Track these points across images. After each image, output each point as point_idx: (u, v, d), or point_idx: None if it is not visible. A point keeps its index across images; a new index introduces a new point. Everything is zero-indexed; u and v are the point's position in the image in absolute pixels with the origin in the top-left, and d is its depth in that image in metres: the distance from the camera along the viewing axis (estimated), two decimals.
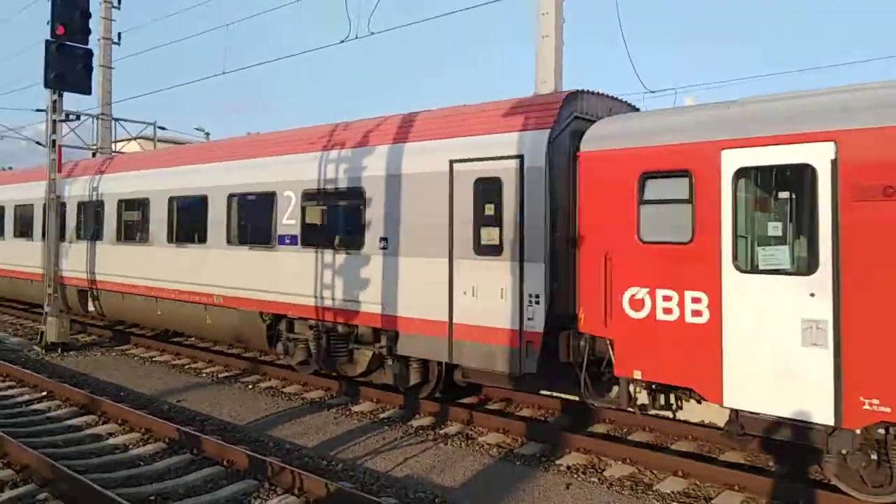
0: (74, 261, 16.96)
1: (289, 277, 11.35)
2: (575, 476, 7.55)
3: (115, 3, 24.22)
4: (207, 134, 36.47)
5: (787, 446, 7.52)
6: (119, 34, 24.31)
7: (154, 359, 13.94)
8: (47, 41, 13.95)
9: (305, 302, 11.05)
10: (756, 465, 7.95)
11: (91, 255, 16.42)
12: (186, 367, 13.20)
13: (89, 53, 14.55)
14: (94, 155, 22.16)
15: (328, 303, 10.70)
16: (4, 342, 15.47)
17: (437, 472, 7.63)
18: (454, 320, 9.20)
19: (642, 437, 8.96)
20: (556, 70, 13.37)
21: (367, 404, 10.36)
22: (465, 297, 9.11)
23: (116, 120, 24.19)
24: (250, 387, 11.56)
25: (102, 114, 23.97)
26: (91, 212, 16.75)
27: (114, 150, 23.61)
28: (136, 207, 15.36)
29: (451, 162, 9.34)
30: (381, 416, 9.82)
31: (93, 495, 6.31)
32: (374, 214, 10.29)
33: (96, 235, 16.40)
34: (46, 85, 14.33)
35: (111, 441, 8.50)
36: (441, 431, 9.07)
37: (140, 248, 14.97)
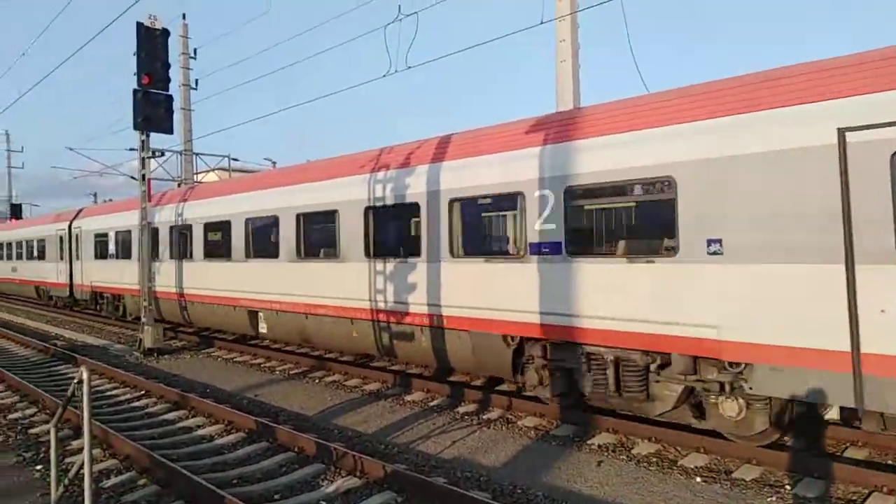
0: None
1: (547, 294, 8.43)
2: (605, 454, 7.41)
3: (192, 55, 24.92)
4: (274, 163, 37.07)
5: (800, 422, 7.25)
6: (196, 81, 25.01)
7: (234, 359, 14.17)
8: (135, 90, 14.36)
9: (575, 324, 8.03)
10: (773, 441, 7.66)
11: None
12: (262, 365, 13.38)
13: (170, 98, 14.91)
14: (178, 185, 22.74)
15: (616, 325, 7.59)
16: (109, 349, 15.90)
17: (481, 453, 7.57)
18: (862, 349, 5.88)
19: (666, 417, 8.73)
20: (574, 90, 13.24)
21: (419, 394, 10.34)
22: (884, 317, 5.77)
23: (196, 154, 24.84)
24: (317, 381, 11.65)
25: (185, 150, 24.66)
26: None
27: (195, 180, 24.21)
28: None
29: (841, 130, 6.03)
30: (431, 404, 9.78)
31: (184, 480, 6.42)
32: (698, 210, 6.95)
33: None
34: (135, 127, 14.74)
35: (199, 432, 8.64)
36: (484, 416, 9.00)
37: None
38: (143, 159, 15.29)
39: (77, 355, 14.19)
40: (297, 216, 12.61)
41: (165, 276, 17.31)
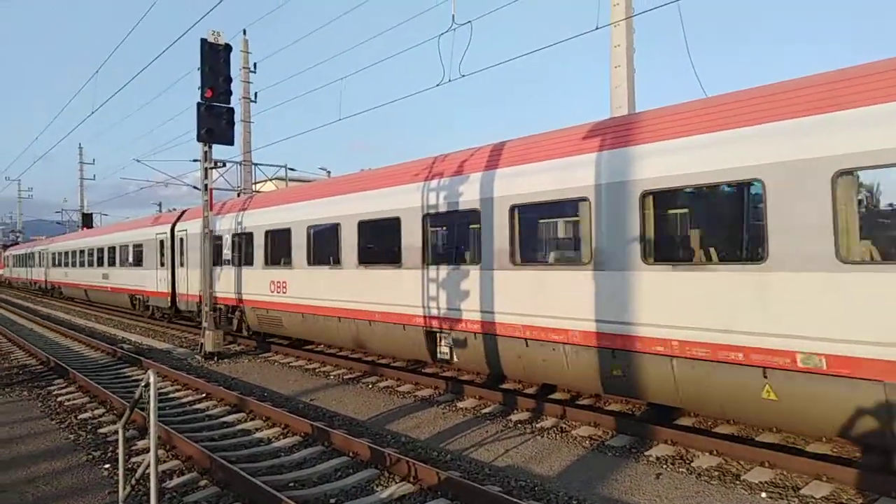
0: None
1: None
2: (664, 466, 7.17)
3: (252, 69, 25.68)
4: (329, 172, 37.76)
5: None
6: (255, 94, 25.77)
7: (290, 364, 14.42)
8: (198, 103, 14.84)
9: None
10: (843, 456, 7.28)
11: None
12: (317, 370, 13.56)
13: (231, 111, 15.34)
14: (238, 195, 23.39)
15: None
16: (172, 352, 16.42)
17: (535, 462, 7.44)
18: None
19: (727, 429, 8.41)
20: (629, 96, 12.99)
21: (471, 401, 10.27)
22: None
23: (255, 165, 25.55)
24: (370, 386, 11.73)
25: (244, 160, 25.37)
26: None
27: (253, 189, 24.87)
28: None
29: None
30: (483, 411, 9.70)
31: (242, 482, 6.53)
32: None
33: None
34: (199, 139, 15.21)
35: (257, 435, 8.79)
36: (537, 425, 8.86)
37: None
38: (205, 170, 15.77)
39: (142, 358, 14.70)
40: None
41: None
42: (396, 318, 11.88)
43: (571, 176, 8.85)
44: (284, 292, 15.27)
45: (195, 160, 20.61)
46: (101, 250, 29.63)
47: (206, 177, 15.83)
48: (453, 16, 12.17)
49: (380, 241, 12.68)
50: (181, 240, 20.83)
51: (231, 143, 15.52)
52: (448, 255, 11.42)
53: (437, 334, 11.28)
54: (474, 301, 10.32)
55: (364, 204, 12.90)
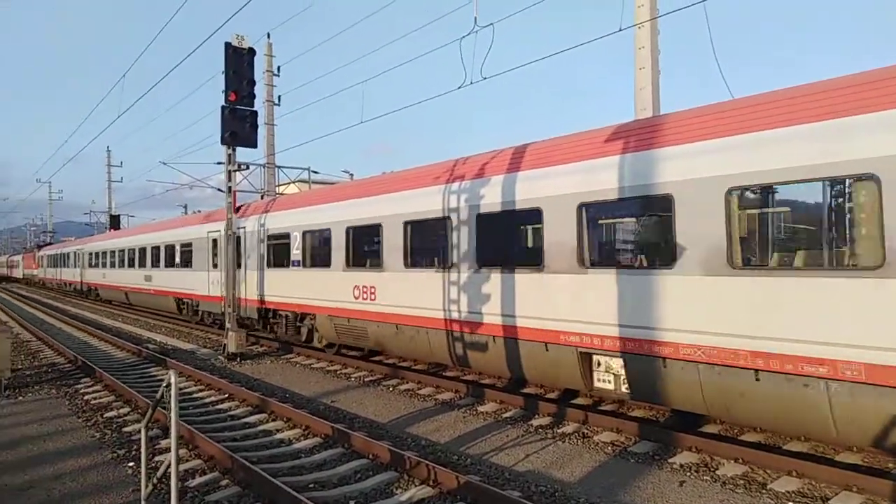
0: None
1: None
2: (688, 474, 7.04)
3: (276, 72, 25.94)
4: (351, 175, 37.94)
5: None
6: (279, 97, 26.02)
7: (312, 366, 14.48)
8: (222, 106, 15.02)
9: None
10: (874, 466, 7.08)
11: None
12: (338, 372, 13.59)
13: (255, 114, 15.50)
14: (262, 197, 23.58)
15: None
16: (196, 353, 16.60)
17: (556, 467, 7.36)
18: None
19: (754, 436, 8.24)
20: (653, 98, 12.85)
21: (492, 405, 10.21)
22: None
23: (279, 167, 25.79)
24: (390, 389, 11.72)
25: (268, 163, 25.62)
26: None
27: (276, 192, 25.08)
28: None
29: None
30: (504, 415, 9.63)
31: (263, 482, 6.56)
32: None
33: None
34: (223, 142, 15.38)
35: (278, 436, 8.83)
36: (559, 430, 8.77)
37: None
38: (229, 172, 15.95)
39: (167, 358, 14.88)
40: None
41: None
42: (537, 335, 9.44)
43: None
44: (373, 299, 12.93)
45: (219, 163, 20.83)
46: (143, 250, 27.33)
47: (229, 179, 16.01)
48: (475, 18, 12.15)
49: (508, 239, 10.56)
50: (238, 239, 18.39)
51: (254, 145, 15.68)
52: (640, 253, 8.98)
53: (595, 356, 8.88)
54: (680, 317, 7.64)
55: (484, 192, 10.37)
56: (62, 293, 47.45)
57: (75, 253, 42.43)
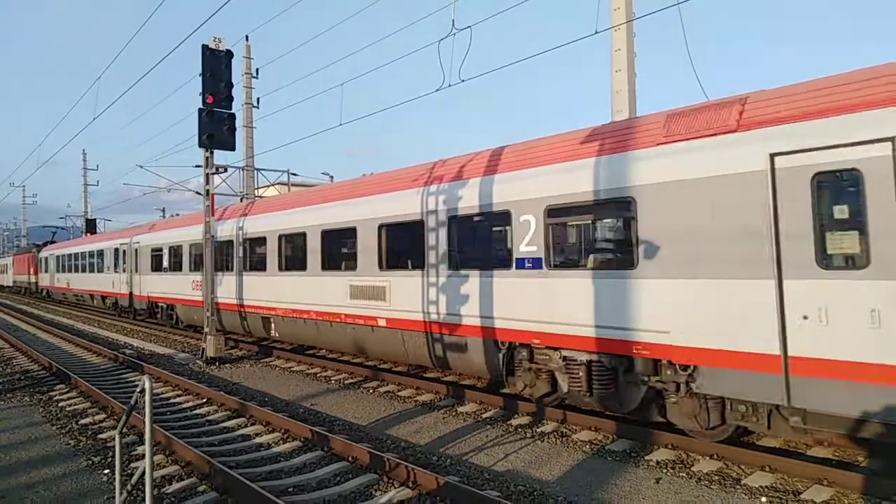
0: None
1: None
2: (664, 471, 7.12)
3: (254, 75, 25.76)
4: (331, 177, 37.79)
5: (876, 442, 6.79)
6: (258, 99, 25.83)
7: (292, 369, 14.39)
8: (200, 109, 14.87)
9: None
10: (844, 460, 7.22)
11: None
12: (318, 375, 13.53)
13: (233, 117, 15.36)
14: (241, 199, 23.41)
15: None
16: (174, 358, 16.41)
17: (534, 466, 7.40)
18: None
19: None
20: (629, 100, 12.97)
21: (472, 405, 10.23)
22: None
23: (258, 170, 25.59)
24: (371, 391, 11.69)
25: (247, 165, 25.42)
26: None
27: (256, 195, 24.90)
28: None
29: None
30: (484, 416, 9.66)
31: (241, 487, 6.50)
32: None
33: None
34: (200, 145, 15.21)
35: (257, 440, 8.77)
36: (538, 429, 8.82)
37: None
38: (207, 175, 15.80)
39: (144, 363, 14.69)
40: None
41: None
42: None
43: None
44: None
45: (198, 166, 20.62)
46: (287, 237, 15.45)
47: (207, 182, 15.85)
48: (453, 21, 12.18)
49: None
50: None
51: (232, 148, 15.55)
52: None
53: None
54: None
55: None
56: (87, 308, 34.09)
57: (116, 250, 27.46)
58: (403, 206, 11.51)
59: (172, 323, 22.24)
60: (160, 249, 22.42)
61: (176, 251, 21.05)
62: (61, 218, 61.38)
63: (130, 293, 25.79)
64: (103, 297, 30.34)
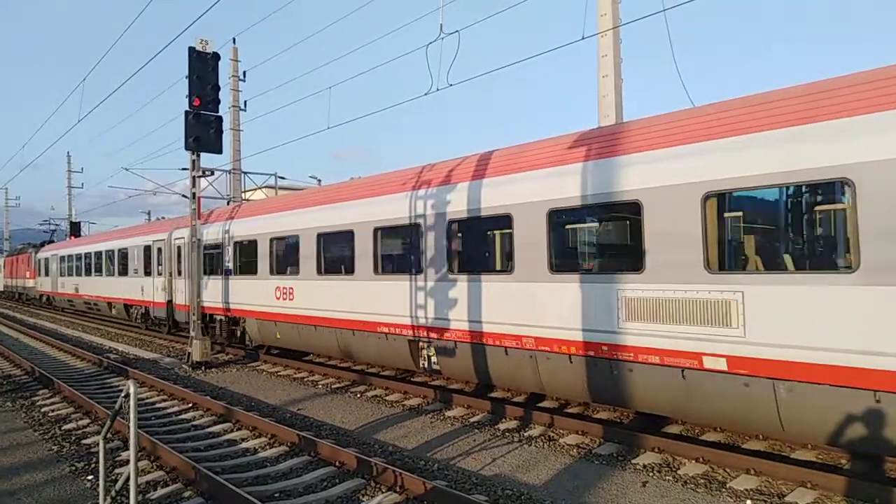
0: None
1: None
2: (651, 474, 7.16)
3: (241, 78, 25.63)
4: (319, 180, 37.71)
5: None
6: (245, 102, 25.69)
7: (279, 373, 14.32)
8: (186, 111, 14.78)
9: None
10: (828, 463, 7.30)
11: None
12: (305, 379, 13.47)
13: (219, 119, 15.29)
14: (228, 203, 23.26)
15: None
16: (159, 362, 16.27)
17: (522, 471, 7.41)
18: None
19: (714, 436, 8.42)
20: (616, 105, 13.05)
21: (459, 410, 10.23)
22: None
23: (245, 173, 25.44)
24: (358, 396, 11.66)
25: (233, 169, 25.27)
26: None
27: (242, 198, 24.76)
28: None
29: None
30: (472, 420, 9.66)
31: (227, 493, 6.45)
32: None
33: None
34: (187, 148, 15.12)
35: (243, 445, 8.71)
36: (525, 434, 8.83)
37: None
38: (193, 178, 15.71)
39: (129, 368, 14.55)
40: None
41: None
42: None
43: None
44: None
45: (184, 168, 20.52)
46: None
47: (194, 185, 15.76)
48: (441, 25, 12.22)
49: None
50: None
51: (219, 151, 15.47)
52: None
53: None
54: None
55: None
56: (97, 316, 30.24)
57: (147, 248, 22.84)
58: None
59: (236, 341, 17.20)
60: (253, 242, 15.86)
61: (285, 246, 14.95)
62: (45, 221, 60.65)
63: (169, 301, 20.83)
64: (127, 306, 25.12)
